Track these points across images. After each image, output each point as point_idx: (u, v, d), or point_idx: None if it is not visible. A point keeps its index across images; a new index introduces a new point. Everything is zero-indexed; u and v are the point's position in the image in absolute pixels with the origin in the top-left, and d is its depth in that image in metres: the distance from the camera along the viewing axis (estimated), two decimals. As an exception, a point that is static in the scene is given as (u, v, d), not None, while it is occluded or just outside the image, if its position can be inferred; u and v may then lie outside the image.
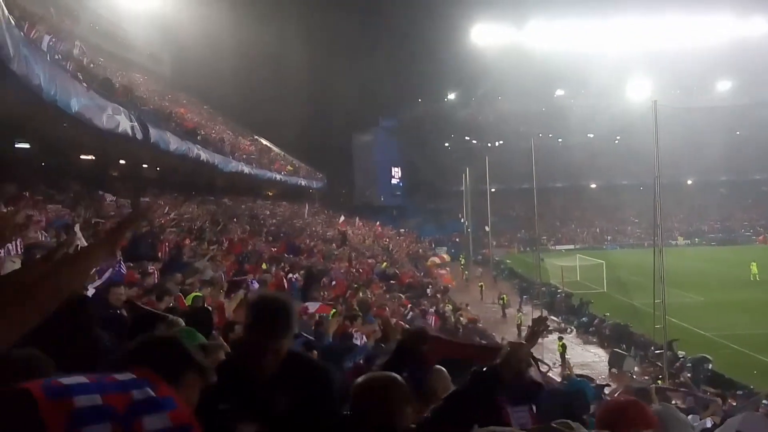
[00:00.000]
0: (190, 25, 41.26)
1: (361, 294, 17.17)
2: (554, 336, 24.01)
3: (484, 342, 12.43)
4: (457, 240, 58.72)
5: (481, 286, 35.84)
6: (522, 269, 41.63)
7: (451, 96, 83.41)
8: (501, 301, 30.54)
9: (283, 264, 16.37)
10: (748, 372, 18.46)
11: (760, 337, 21.99)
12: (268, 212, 34.57)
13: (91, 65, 19.16)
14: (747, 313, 26.13)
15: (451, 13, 71.93)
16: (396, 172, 75.74)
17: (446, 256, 36.11)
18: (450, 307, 23.47)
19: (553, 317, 28.20)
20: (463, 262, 46.08)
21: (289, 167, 48.54)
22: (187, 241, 12.92)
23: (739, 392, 16.08)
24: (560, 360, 21.23)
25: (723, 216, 67.52)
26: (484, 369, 2.17)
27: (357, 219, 48.26)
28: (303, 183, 51.13)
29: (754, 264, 35.48)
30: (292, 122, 56.73)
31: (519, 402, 2.87)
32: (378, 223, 49.71)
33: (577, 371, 18.47)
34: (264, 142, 51.34)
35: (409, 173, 75.32)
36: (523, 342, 2.57)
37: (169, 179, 26.90)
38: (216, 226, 19.27)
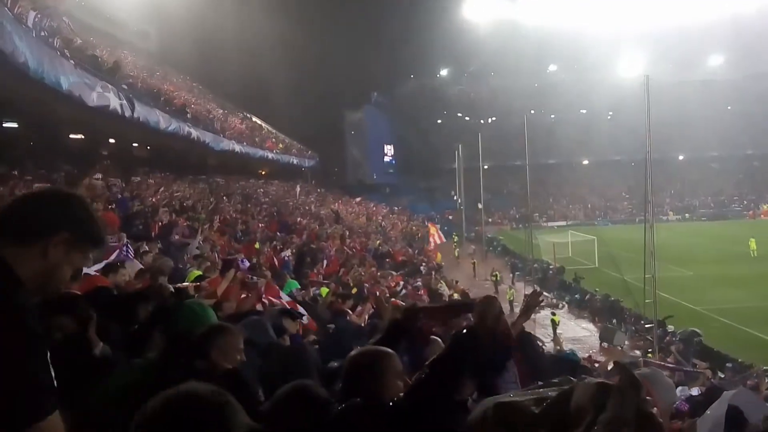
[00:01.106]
0: (179, 1, 40.50)
1: (353, 272, 17.23)
2: (546, 311, 24.31)
3: (466, 299, 12.38)
4: (450, 217, 58.85)
5: (474, 263, 36.05)
6: (514, 246, 41.85)
7: (444, 72, 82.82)
8: (494, 278, 30.74)
9: (274, 243, 16.35)
10: (737, 345, 18.79)
11: (749, 311, 22.37)
12: (260, 191, 34.43)
13: (78, 42, 18.81)
14: (736, 287, 26.50)
15: (443, -13, 70.99)
16: (388, 149, 75.38)
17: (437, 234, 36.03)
18: (443, 284, 23.61)
19: (545, 293, 28.50)
20: (456, 239, 46.24)
21: (280, 145, 48.24)
22: (180, 221, 12.86)
23: (728, 365, 16.40)
24: (552, 335, 21.51)
25: (714, 191, 67.94)
26: (463, 332, 2.20)
27: (359, 198, 48.30)
28: (295, 161, 50.90)
29: (753, 240, 35.60)
30: (283, 100, 56.16)
31: (492, 370, 2.83)
32: (373, 204, 49.69)
33: (568, 346, 18.76)
34: (255, 120, 50.91)
35: (401, 151, 75.01)
36: (494, 296, 2.59)
37: (160, 158, 26.65)
38: (208, 206, 19.17)
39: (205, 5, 43.96)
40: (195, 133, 26.29)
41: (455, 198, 55.88)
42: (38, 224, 1.39)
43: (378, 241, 28.28)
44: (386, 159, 75.33)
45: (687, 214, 63.19)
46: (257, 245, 14.36)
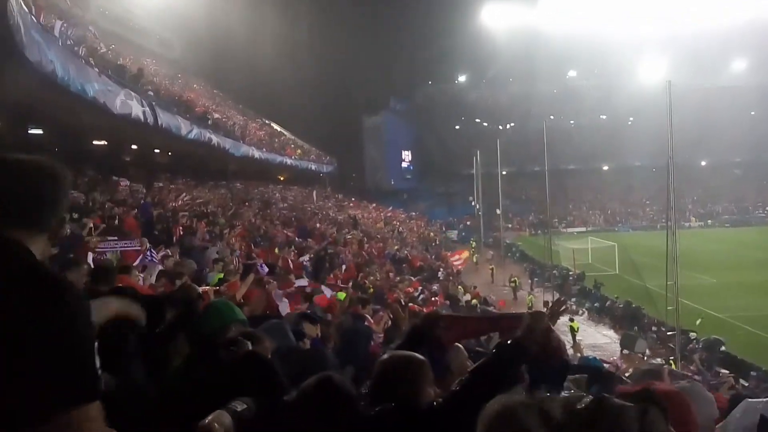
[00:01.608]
0: (200, 9, 41.13)
1: (371, 277, 17.29)
2: (565, 318, 24.06)
3: (500, 313, 12.34)
4: (468, 223, 58.64)
5: (492, 268, 35.87)
6: (533, 252, 41.55)
7: (462, 78, 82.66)
8: (513, 284, 30.56)
9: (292, 248, 16.49)
10: (762, 353, 18.40)
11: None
12: (279, 196, 34.70)
13: (103, 50, 19.21)
14: (761, 294, 25.95)
15: (461, -7, 70.99)
16: (406, 155, 75.46)
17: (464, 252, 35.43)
18: (461, 289, 23.56)
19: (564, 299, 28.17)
20: (474, 245, 46.10)
21: (298, 151, 48.57)
22: (201, 225, 13.04)
23: (753, 373, 16.08)
24: (572, 342, 21.29)
25: (737, 197, 66.74)
26: (509, 342, 2.20)
27: (374, 204, 48.44)
28: (313, 167, 51.17)
29: None
30: (301, 106, 56.59)
31: (549, 383, 2.79)
32: (388, 210, 49.79)
33: (588, 353, 18.54)
34: (274, 126, 51.35)
35: (419, 156, 75.06)
36: (543, 311, 2.58)
37: (182, 164, 27.02)
38: (228, 211, 19.40)
39: (225, 14, 44.56)
40: (216, 139, 26.62)
41: (473, 204, 55.67)
42: (50, 208, 1.31)
43: (396, 247, 28.33)
44: (404, 164, 75.43)
45: (709, 221, 62.15)
46: (276, 250, 14.51)
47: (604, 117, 75.81)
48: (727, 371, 16.79)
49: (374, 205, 49.90)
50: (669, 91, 20.92)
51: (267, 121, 50.46)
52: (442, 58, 75.32)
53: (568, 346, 20.29)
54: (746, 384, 14.27)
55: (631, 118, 73.03)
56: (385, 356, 2.28)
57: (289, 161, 43.09)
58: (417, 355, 2.25)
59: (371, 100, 72.81)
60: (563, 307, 3.49)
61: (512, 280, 30.97)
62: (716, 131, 67.81)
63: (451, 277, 25.83)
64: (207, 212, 16.97)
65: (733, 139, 67.79)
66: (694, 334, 19.78)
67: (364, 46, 68.34)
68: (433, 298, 21.18)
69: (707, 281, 29.24)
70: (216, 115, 30.67)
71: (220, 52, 46.31)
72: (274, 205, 28.74)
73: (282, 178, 44.98)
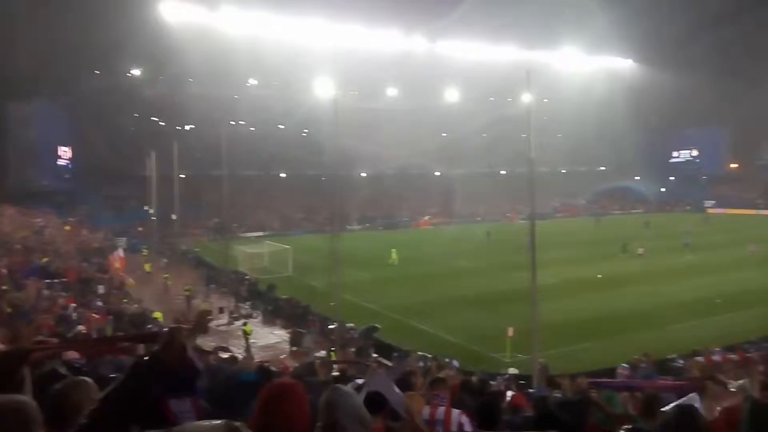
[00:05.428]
0: None
1: (11, 294, 14.53)
2: (240, 322, 24.32)
3: (122, 335, 11.66)
4: (141, 229, 54.36)
5: (167, 278, 33.83)
6: (211, 257, 40.88)
7: (136, 72, 76.43)
8: (187, 292, 29.34)
9: None
10: (403, 336, 21.70)
11: (411, 306, 26.41)
12: None
13: None
14: (403, 286, 31.01)
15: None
16: (64, 151, 65.74)
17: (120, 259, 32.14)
18: (126, 301, 21.51)
19: (240, 304, 28.56)
20: (145, 253, 42.90)
21: None
22: None
23: (395, 354, 18.74)
24: (245, 345, 21.49)
25: (389, 204, 78.34)
26: (145, 357, 2.14)
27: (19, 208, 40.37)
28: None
29: (394, 251, 40.32)
30: None
31: (180, 392, 2.70)
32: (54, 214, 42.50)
33: (261, 353, 19.02)
34: None
35: (82, 154, 66.05)
36: (182, 326, 2.52)
37: None
38: None
39: None
40: None
41: (146, 208, 51.81)
42: None
43: (45, 258, 24.29)
44: (61, 162, 65.56)
45: (367, 224, 71.58)
46: None
47: (282, 126, 79.88)
48: (377, 354, 19.29)
49: (18, 209, 42.05)
50: (336, 106, 23.12)
51: None
52: (112, 47, 68.20)
53: (241, 350, 20.41)
54: (390, 364, 16.47)
55: (306, 130, 78.69)
56: None
57: None
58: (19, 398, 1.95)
59: (18, 85, 61.29)
60: (208, 318, 3.40)
61: (186, 288, 29.71)
62: (376, 147, 78.26)
63: (114, 290, 23.30)
64: None
65: (389, 155, 79.32)
66: (352, 324, 22.14)
67: (11, 20, 57.23)
68: (98, 315, 18.94)
69: (363, 277, 33.24)
70: None
71: None
72: None
73: None
